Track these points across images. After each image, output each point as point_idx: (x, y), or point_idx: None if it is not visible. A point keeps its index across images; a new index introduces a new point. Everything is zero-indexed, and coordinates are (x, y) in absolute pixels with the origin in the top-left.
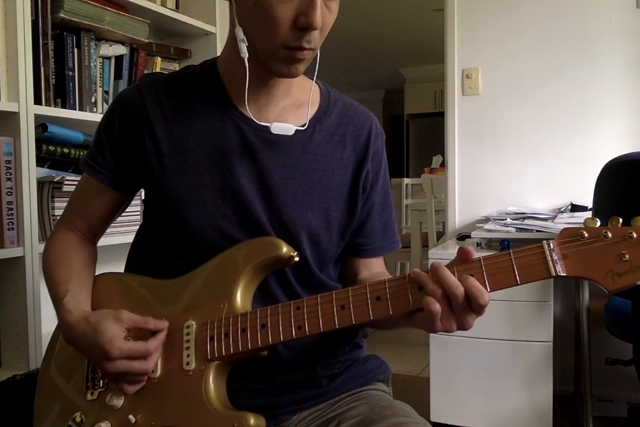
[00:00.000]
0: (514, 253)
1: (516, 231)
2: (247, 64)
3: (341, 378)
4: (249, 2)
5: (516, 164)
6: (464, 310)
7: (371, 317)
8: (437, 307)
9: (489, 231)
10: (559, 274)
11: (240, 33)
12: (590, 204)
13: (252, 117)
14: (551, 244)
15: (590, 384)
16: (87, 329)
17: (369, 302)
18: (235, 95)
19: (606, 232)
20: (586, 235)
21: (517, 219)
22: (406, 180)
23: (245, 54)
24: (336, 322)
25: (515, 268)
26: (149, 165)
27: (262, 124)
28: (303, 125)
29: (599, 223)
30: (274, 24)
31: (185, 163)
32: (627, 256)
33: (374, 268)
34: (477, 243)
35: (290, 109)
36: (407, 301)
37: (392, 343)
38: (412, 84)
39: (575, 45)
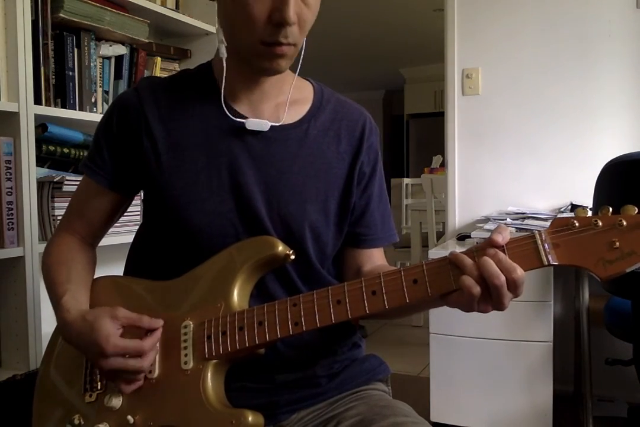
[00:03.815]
0: (506, 244)
1: (516, 231)
2: (224, 64)
3: (340, 378)
4: (228, 1)
5: (516, 164)
6: (500, 293)
7: (367, 311)
8: (477, 289)
9: (489, 231)
10: (550, 262)
11: (220, 34)
12: (590, 204)
13: (241, 115)
14: (542, 234)
15: (590, 384)
16: (83, 327)
17: (365, 296)
18: (229, 95)
19: (596, 221)
20: (577, 224)
21: (517, 219)
22: (406, 180)
23: (223, 54)
24: (332, 317)
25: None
26: (147, 165)
27: (238, 119)
28: (292, 124)
29: (589, 213)
30: (250, 20)
31: (183, 162)
32: (617, 244)
33: (377, 261)
34: (477, 243)
35: (283, 106)
36: (403, 295)
37: (392, 343)
38: (412, 84)
39: (575, 46)
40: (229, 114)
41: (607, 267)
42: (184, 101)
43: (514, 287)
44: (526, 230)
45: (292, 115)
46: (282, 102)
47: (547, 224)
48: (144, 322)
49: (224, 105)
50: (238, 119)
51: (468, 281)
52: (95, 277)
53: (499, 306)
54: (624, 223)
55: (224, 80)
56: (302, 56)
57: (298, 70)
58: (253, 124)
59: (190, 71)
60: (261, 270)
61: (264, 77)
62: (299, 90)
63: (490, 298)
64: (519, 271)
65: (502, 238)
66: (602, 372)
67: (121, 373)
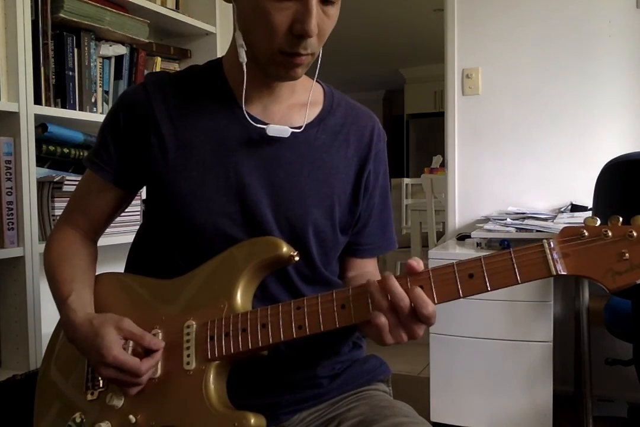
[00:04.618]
0: (514, 252)
1: (516, 231)
2: (245, 69)
3: (341, 378)
4: (248, 7)
5: (516, 163)
6: (411, 321)
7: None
8: (383, 320)
9: (489, 231)
10: (559, 273)
11: (239, 38)
12: (590, 204)
13: (253, 117)
14: (551, 243)
15: (590, 384)
16: (89, 331)
17: (369, 302)
18: (240, 95)
19: (606, 231)
20: (586, 234)
21: (517, 219)
22: (406, 180)
23: (243, 59)
24: (337, 321)
25: (515, 267)
26: (153, 163)
27: (259, 125)
28: (299, 127)
29: (599, 222)
30: (271, 30)
31: (190, 161)
32: (627, 255)
33: (366, 267)
34: (477, 243)
35: (294, 108)
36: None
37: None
38: (412, 84)
39: (575, 45)
40: (250, 121)
41: (616, 278)
42: (193, 99)
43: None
44: (526, 230)
45: (302, 117)
46: (294, 104)
47: (547, 224)
48: (145, 341)
49: (244, 107)
50: (259, 125)
51: (374, 312)
52: (97, 273)
53: (412, 335)
54: (634, 234)
55: (244, 86)
56: (319, 61)
57: (316, 75)
58: (274, 130)
59: (199, 68)
60: (265, 271)
61: (277, 81)
62: (310, 92)
63: (401, 325)
64: (430, 307)
65: (417, 264)
66: (602, 372)
67: (117, 381)
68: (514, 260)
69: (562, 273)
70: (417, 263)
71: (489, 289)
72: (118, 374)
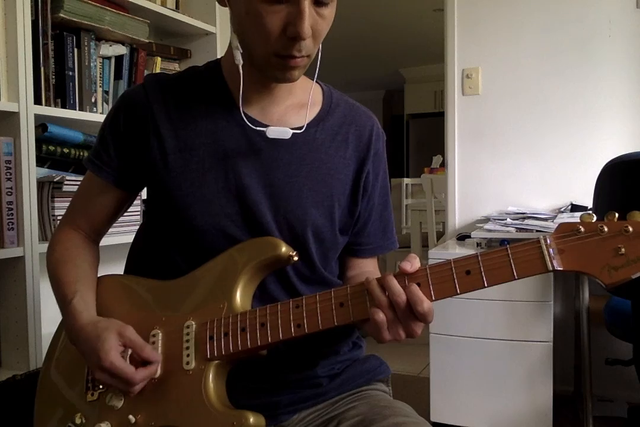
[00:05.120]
0: (510, 248)
1: (516, 231)
2: (241, 71)
3: (341, 378)
4: (242, 10)
5: (516, 163)
6: (409, 318)
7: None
8: (381, 316)
9: (489, 230)
10: (555, 268)
11: (234, 41)
12: (590, 204)
13: (252, 119)
14: (548, 239)
15: (590, 384)
16: (92, 333)
17: (367, 299)
18: (238, 97)
19: (602, 227)
20: (582, 230)
21: (517, 219)
22: (406, 180)
23: (239, 61)
24: (335, 320)
25: (512, 263)
26: (153, 164)
27: (259, 128)
28: (300, 128)
29: (595, 218)
30: (265, 32)
31: (190, 162)
32: (623, 250)
33: (366, 267)
34: (477, 243)
35: (292, 109)
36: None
37: (392, 343)
38: (412, 84)
39: (575, 45)
40: (248, 123)
41: (612, 273)
42: (192, 101)
43: (422, 318)
44: (526, 230)
45: (300, 118)
46: (291, 105)
47: (547, 224)
48: (145, 352)
49: (242, 109)
50: (258, 128)
51: (373, 308)
52: (98, 275)
53: (411, 332)
54: (630, 229)
55: (241, 89)
56: (319, 61)
57: (316, 76)
58: (274, 132)
59: (198, 69)
60: (264, 271)
61: (275, 83)
62: (308, 93)
63: (399, 322)
64: (426, 304)
65: (411, 266)
66: (602, 372)
67: (112, 386)
68: (510, 256)
69: (558, 269)
70: (411, 265)
71: (485, 285)
72: (112, 380)
